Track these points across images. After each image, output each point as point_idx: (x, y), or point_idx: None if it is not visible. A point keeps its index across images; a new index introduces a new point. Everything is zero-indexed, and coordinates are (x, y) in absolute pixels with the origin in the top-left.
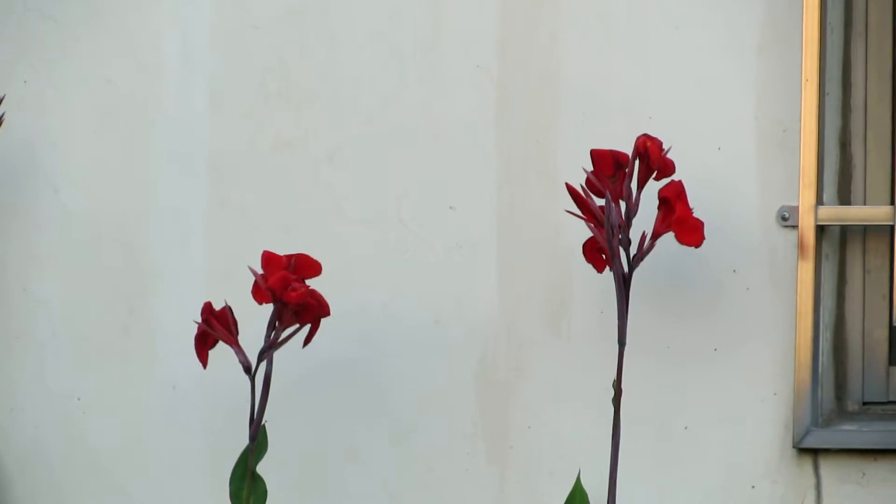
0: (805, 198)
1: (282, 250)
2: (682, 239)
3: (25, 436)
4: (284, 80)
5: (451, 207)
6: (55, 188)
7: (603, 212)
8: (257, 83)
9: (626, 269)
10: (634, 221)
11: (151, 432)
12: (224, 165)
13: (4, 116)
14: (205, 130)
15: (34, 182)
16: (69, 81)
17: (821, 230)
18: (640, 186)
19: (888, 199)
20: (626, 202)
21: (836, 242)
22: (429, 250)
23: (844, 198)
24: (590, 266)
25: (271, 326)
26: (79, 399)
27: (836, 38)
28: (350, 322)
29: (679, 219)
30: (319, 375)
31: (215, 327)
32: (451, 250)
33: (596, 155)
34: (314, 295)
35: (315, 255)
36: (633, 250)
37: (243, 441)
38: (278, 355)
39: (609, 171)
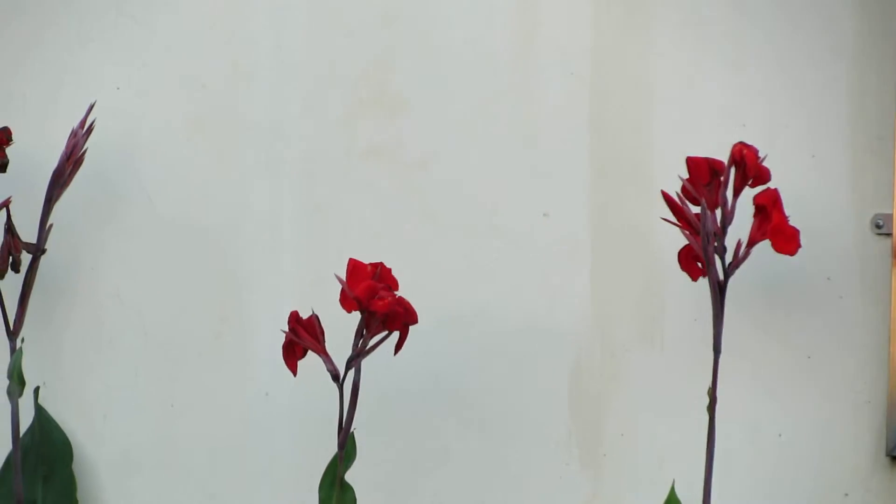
0: None
1: (373, 257)
2: (778, 248)
3: (118, 442)
4: (377, 86)
5: (544, 214)
6: (149, 195)
7: (698, 219)
8: (351, 89)
9: (721, 276)
10: (729, 229)
11: (244, 439)
12: (316, 171)
13: (95, 123)
14: (297, 136)
15: (127, 189)
16: (162, 87)
17: None
18: (736, 194)
19: None
20: (722, 210)
21: None
22: (522, 257)
23: None
24: (683, 273)
25: (359, 335)
26: (172, 406)
27: None
28: (442, 330)
29: (776, 227)
30: (412, 383)
31: (302, 336)
32: (544, 257)
33: (692, 163)
34: (401, 303)
35: (407, 262)
36: (728, 258)
37: (334, 448)
38: (372, 363)
39: (705, 179)
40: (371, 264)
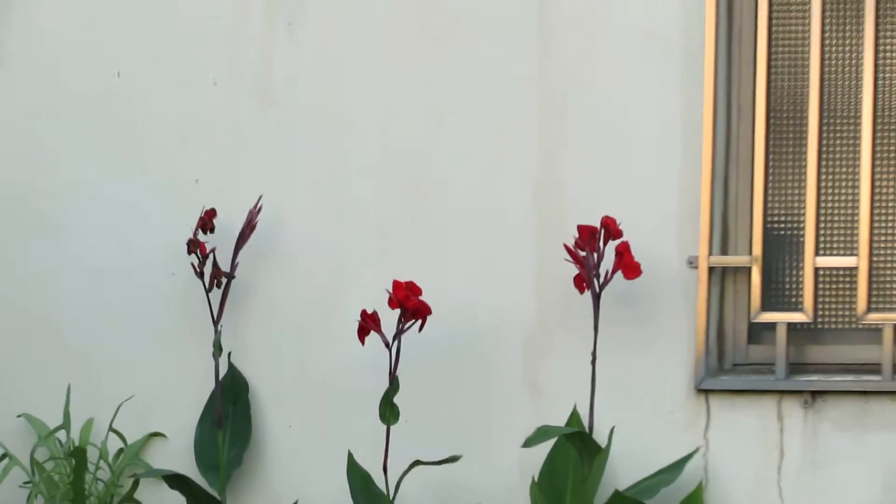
0: (702, 251)
1: (407, 276)
2: (627, 276)
3: (273, 382)
4: (407, 175)
5: (508, 255)
6: (289, 243)
7: (585, 259)
8: (383, 175)
9: (598, 290)
10: (602, 265)
11: (342, 379)
12: (387, 232)
13: (262, 204)
14: (375, 213)
15: (276, 240)
16: (290, 184)
17: (711, 269)
18: (605, 244)
19: (748, 251)
20: (597, 254)
21: (719, 276)
22: (491, 276)
23: (724, 250)
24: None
25: (399, 321)
26: (301, 361)
27: (721, 154)
28: (441, 318)
29: (626, 264)
30: (426, 349)
31: (369, 323)
32: (506, 278)
33: (580, 228)
34: (422, 304)
35: (422, 276)
36: (600, 281)
37: (387, 384)
38: (405, 336)
39: (586, 236)
40: (405, 282)
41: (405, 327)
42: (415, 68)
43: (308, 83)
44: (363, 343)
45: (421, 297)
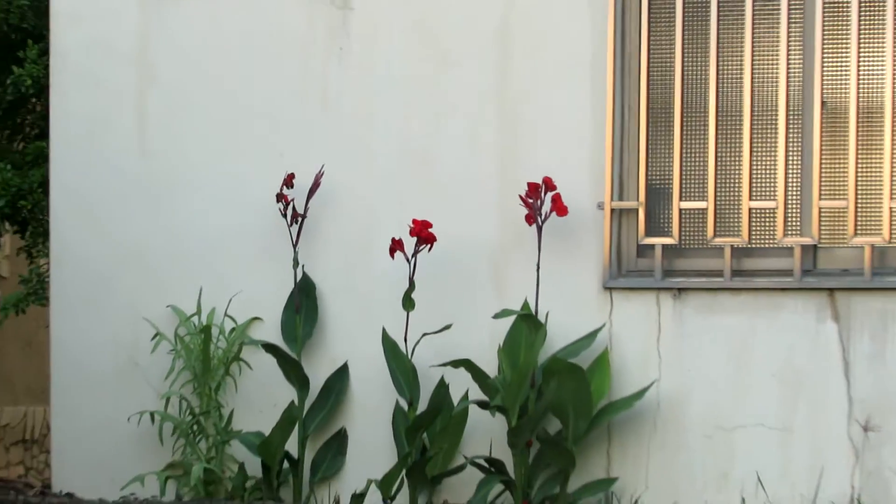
0: (606, 198)
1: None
2: (559, 215)
3: (333, 284)
4: (413, 143)
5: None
6: (341, 202)
7: (532, 204)
8: (396, 144)
9: (540, 224)
10: (543, 208)
11: (378, 284)
12: (403, 190)
13: (324, 171)
14: (396, 178)
15: (333, 195)
16: (346, 156)
17: (612, 210)
18: (545, 194)
19: (636, 198)
20: (540, 200)
21: (618, 214)
22: (465, 216)
23: (621, 198)
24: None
25: (416, 246)
26: (350, 271)
27: (618, 136)
28: (438, 245)
29: (558, 207)
30: (431, 263)
31: (396, 245)
32: (481, 218)
33: (529, 184)
34: (431, 234)
35: (426, 218)
36: (542, 218)
37: (406, 286)
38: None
39: (533, 189)
40: (421, 220)
41: (420, 249)
42: (421, 84)
43: (351, 94)
44: (393, 258)
45: (430, 230)
